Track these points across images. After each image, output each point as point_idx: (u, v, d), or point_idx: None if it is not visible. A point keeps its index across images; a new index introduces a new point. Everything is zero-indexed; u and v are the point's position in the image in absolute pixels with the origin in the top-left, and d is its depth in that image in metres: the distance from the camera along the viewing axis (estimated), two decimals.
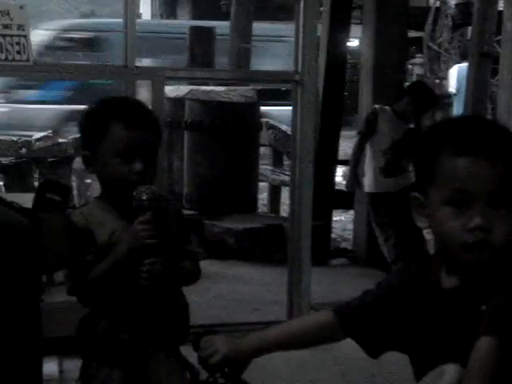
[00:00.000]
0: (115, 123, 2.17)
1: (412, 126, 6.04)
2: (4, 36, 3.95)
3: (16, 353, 2.19)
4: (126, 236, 2.12)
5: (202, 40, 9.37)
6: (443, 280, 1.55)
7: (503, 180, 1.45)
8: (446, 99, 11.19)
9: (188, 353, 2.20)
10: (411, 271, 1.64)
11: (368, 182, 5.95)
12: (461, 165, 1.45)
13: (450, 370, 1.44)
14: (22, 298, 2.15)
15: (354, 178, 5.99)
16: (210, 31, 9.67)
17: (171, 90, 7.35)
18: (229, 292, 5.59)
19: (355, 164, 5.97)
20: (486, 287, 1.45)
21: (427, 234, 5.90)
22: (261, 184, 8.37)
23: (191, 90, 7.38)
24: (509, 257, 1.47)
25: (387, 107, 5.93)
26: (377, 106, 6.00)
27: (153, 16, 20.76)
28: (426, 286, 1.58)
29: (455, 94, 10.13)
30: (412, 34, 11.25)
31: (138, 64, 4.32)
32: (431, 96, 6.07)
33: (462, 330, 1.43)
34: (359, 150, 5.97)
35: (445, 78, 12.69)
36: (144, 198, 2.09)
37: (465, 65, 9.40)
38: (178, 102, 7.53)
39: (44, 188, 2.31)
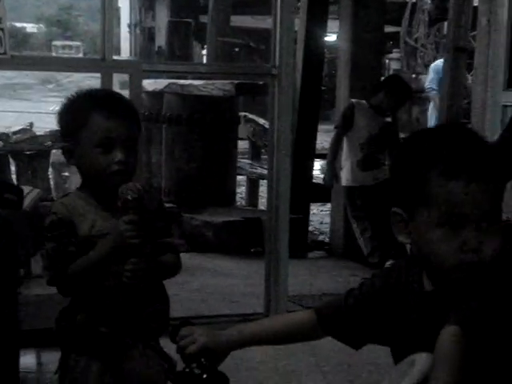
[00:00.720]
0: (94, 114, 2.17)
1: (389, 119, 6.09)
2: None
3: None
4: (110, 234, 2.12)
5: (180, 34, 9.37)
6: (425, 281, 1.56)
7: (495, 199, 1.47)
8: (422, 94, 11.26)
9: (166, 344, 2.23)
10: (393, 274, 1.65)
11: (345, 176, 5.99)
12: (455, 188, 1.44)
13: (421, 359, 1.45)
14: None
15: (332, 171, 6.04)
16: (188, 25, 9.67)
17: (149, 84, 7.35)
18: (207, 285, 5.61)
19: (333, 158, 6.02)
20: (462, 291, 1.47)
21: None
22: (239, 177, 8.39)
23: (169, 83, 7.38)
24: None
25: (364, 101, 5.97)
26: (353, 100, 6.04)
27: (131, 9, 20.70)
28: (408, 287, 1.59)
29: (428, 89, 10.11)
30: (389, 29, 11.31)
31: None
32: (406, 89, 6.12)
33: (439, 329, 1.43)
34: (336, 144, 6.01)
35: (421, 72, 12.76)
36: (129, 197, 2.08)
37: (440, 61, 9.47)
38: (157, 95, 7.53)
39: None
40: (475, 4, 6.67)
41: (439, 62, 9.42)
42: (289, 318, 1.83)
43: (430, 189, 1.47)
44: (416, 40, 13.60)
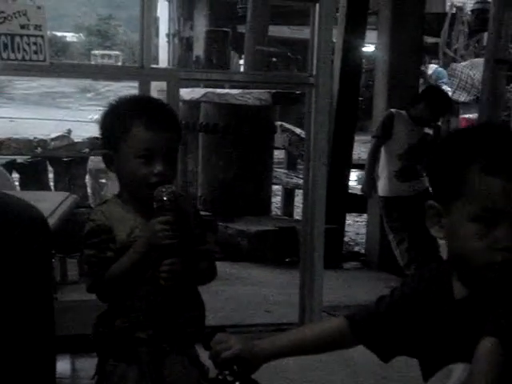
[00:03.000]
0: (137, 124, 2.15)
1: (428, 130, 6.04)
2: (21, 36, 3.97)
3: (29, 351, 2.19)
4: (145, 234, 2.12)
5: (217, 43, 9.40)
6: (455, 289, 1.55)
7: None
8: (460, 104, 11.16)
9: (198, 352, 2.22)
10: (424, 280, 1.64)
11: (382, 186, 5.94)
12: (494, 184, 1.44)
13: (458, 369, 1.44)
14: (35, 293, 2.16)
15: (370, 182, 5.99)
16: (225, 34, 9.69)
17: (187, 93, 7.38)
18: (241, 294, 5.60)
19: (371, 168, 5.96)
20: (496, 298, 1.45)
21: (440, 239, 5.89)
22: (275, 187, 8.38)
23: (206, 92, 7.40)
24: None
25: (403, 111, 5.92)
26: (393, 110, 5.99)
27: (170, 19, 20.84)
28: (438, 296, 1.58)
29: None
30: (428, 40, 11.24)
31: None
32: (446, 101, 6.06)
33: (472, 339, 1.42)
34: (375, 154, 5.96)
35: None
36: (165, 198, 2.08)
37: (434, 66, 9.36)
38: (194, 104, 7.56)
39: None
40: None
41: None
42: (320, 326, 1.82)
43: (469, 182, 1.47)
44: (455, 51, 13.50)
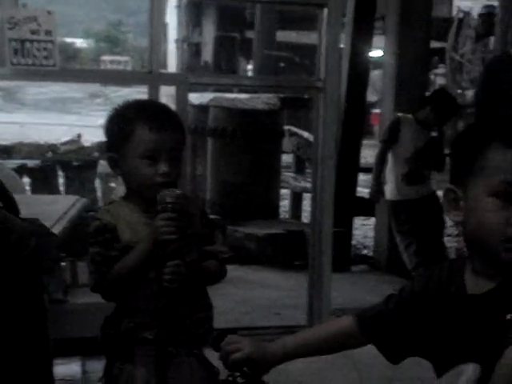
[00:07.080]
0: (140, 125, 2.19)
1: (434, 134, 6.05)
2: (31, 41, 4.02)
3: (23, 355, 2.20)
4: (147, 231, 2.15)
5: (226, 48, 9.46)
6: (468, 286, 1.54)
7: None
8: (468, 109, 11.16)
9: (208, 353, 2.24)
10: (434, 277, 1.63)
11: (389, 190, 5.97)
12: None
13: (469, 370, 1.43)
14: (26, 299, 2.17)
15: (378, 186, 6.01)
16: (233, 40, 9.75)
17: (195, 97, 7.43)
18: (250, 297, 5.63)
19: (378, 172, 5.99)
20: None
21: (448, 242, 5.92)
22: (283, 191, 8.41)
23: (215, 97, 7.45)
24: None
25: (410, 115, 5.95)
26: (399, 114, 6.02)
27: (179, 25, 20.93)
28: (449, 292, 1.57)
29: None
30: (435, 44, 11.25)
31: None
32: (453, 104, 6.08)
33: (485, 337, 1.43)
34: (382, 158, 5.98)
35: (467, 88, 12.66)
36: (168, 200, 2.10)
37: None
38: (202, 108, 7.60)
39: None
40: None
41: None
42: (329, 326, 1.81)
43: (489, 157, 1.48)
44: (462, 55, 13.51)
